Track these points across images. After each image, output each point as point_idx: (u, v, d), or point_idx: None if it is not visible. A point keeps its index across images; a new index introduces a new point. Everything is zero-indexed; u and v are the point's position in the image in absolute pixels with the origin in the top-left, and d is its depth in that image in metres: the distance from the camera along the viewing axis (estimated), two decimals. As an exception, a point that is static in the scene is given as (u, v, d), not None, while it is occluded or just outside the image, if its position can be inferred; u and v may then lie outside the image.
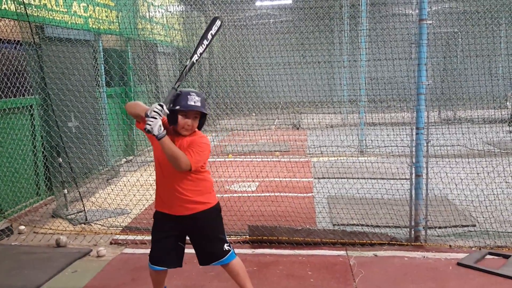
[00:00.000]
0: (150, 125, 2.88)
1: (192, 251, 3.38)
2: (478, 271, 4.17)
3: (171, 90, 3.09)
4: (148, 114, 2.91)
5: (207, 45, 3.26)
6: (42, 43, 6.32)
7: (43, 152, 6.41)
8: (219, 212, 3.37)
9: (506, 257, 4.40)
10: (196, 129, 3.21)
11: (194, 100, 3.08)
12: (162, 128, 2.93)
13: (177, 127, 3.13)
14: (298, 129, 13.40)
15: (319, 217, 5.61)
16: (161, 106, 2.93)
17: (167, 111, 2.99)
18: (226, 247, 3.32)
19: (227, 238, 3.37)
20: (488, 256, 4.47)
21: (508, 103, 12.53)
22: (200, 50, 3.21)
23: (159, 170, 3.24)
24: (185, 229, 3.29)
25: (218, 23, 3.31)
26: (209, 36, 3.26)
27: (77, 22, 7.32)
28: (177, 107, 3.07)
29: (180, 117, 3.10)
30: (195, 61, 3.20)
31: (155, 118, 2.90)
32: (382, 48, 6.68)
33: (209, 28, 3.27)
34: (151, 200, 6.36)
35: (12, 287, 4.09)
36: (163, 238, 3.30)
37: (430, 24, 4.57)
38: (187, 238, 3.37)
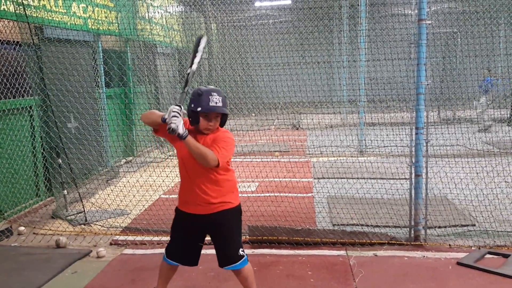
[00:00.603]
0: (174, 123, 2.88)
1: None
2: (477, 270, 4.17)
3: (181, 93, 3.10)
4: (166, 117, 2.93)
5: (201, 57, 3.26)
6: (42, 44, 6.32)
7: (42, 153, 6.41)
8: (240, 213, 3.37)
9: (506, 256, 4.40)
10: (218, 127, 3.21)
11: (215, 101, 3.08)
12: (184, 128, 2.94)
13: (199, 127, 3.13)
14: (297, 129, 13.41)
15: (319, 217, 5.61)
16: (179, 106, 2.95)
17: (185, 111, 3.01)
18: (241, 252, 3.30)
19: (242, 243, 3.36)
20: (488, 256, 4.48)
21: (479, 103, 12.64)
22: (196, 60, 3.20)
23: (183, 169, 3.23)
24: (205, 228, 3.30)
25: (204, 40, 3.27)
26: (201, 49, 3.24)
27: (76, 23, 7.32)
28: (199, 109, 3.06)
29: (201, 118, 3.10)
30: (195, 70, 3.22)
31: (177, 117, 2.91)
32: (381, 48, 6.69)
33: (197, 45, 3.25)
34: (151, 201, 6.36)
35: (12, 288, 4.09)
36: (183, 236, 3.32)
37: (429, 24, 4.57)
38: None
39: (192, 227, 3.28)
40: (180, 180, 3.31)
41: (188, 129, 3.03)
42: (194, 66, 3.17)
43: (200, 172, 3.12)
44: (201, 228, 3.28)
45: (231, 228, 3.30)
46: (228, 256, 3.29)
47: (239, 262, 3.28)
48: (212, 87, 3.19)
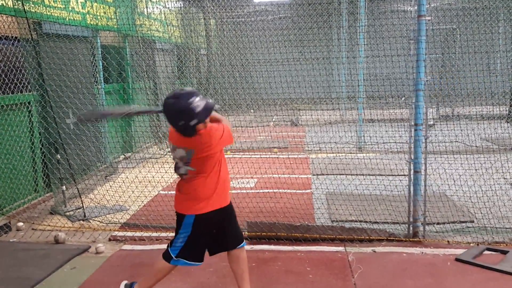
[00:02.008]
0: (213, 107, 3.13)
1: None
2: (476, 266, 4.18)
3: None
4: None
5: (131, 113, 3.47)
6: (40, 39, 6.30)
7: (41, 149, 6.40)
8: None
9: (504, 252, 4.41)
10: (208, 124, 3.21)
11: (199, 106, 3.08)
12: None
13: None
14: (296, 125, 13.41)
15: (317, 213, 5.61)
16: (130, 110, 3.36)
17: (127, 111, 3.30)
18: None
19: None
20: (486, 252, 4.48)
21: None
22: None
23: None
24: (224, 219, 3.40)
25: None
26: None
27: (75, 19, 7.30)
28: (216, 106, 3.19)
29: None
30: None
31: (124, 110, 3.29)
32: (380, 45, 6.68)
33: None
34: (150, 197, 6.36)
35: (11, 284, 4.08)
36: (209, 237, 3.37)
37: (429, 20, 4.56)
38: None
39: (217, 224, 3.34)
40: (182, 180, 3.32)
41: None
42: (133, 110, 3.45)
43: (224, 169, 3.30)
44: (222, 220, 3.37)
45: (234, 218, 3.52)
46: (239, 236, 3.47)
47: (244, 242, 3.50)
48: (188, 89, 3.19)
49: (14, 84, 5.93)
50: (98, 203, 6.26)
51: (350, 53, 13.13)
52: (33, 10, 6.15)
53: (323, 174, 7.18)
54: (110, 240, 5.06)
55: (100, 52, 8.06)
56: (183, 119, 3.01)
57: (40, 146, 6.41)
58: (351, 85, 13.46)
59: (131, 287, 3.49)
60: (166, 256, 3.34)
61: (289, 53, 8.93)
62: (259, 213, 5.44)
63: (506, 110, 11.70)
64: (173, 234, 3.39)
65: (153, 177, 6.46)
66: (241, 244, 3.45)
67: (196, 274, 4.16)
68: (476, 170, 6.14)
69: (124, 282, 3.56)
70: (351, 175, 6.97)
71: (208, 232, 3.32)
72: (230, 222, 3.42)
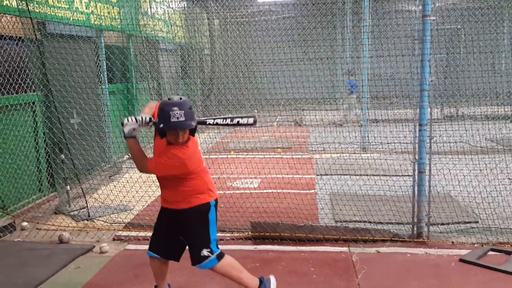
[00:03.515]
0: (125, 124, 3.12)
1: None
2: (480, 267, 4.17)
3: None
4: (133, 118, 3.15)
5: (224, 124, 3.34)
6: (44, 39, 6.32)
7: (45, 149, 6.42)
8: (206, 213, 3.31)
9: (508, 253, 4.39)
10: (190, 136, 3.18)
11: (177, 116, 2.98)
12: (133, 132, 3.13)
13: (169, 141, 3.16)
14: (300, 125, 13.39)
15: (321, 214, 5.60)
16: (150, 119, 3.16)
17: (148, 125, 3.18)
18: (205, 252, 3.28)
19: (214, 242, 3.33)
20: (491, 253, 4.47)
21: (346, 101, 13.07)
22: (219, 121, 3.32)
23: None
24: (176, 223, 3.37)
25: (250, 121, 3.33)
26: (235, 121, 3.31)
27: (79, 19, 7.32)
28: (161, 125, 3.05)
29: (168, 133, 3.10)
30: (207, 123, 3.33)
31: (132, 121, 3.12)
32: (385, 45, 6.66)
33: (241, 118, 3.33)
34: (154, 197, 6.36)
35: (15, 283, 4.10)
36: (161, 229, 3.45)
37: (433, 20, 4.54)
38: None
39: (167, 221, 3.40)
40: None
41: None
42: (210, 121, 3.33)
43: (166, 176, 3.24)
44: (172, 221, 3.37)
45: (195, 226, 3.31)
46: (194, 255, 3.33)
47: (204, 262, 3.29)
48: (176, 98, 3.07)
49: (18, 84, 5.95)
50: (102, 203, 6.27)
51: (354, 53, 13.10)
52: (37, 10, 6.17)
53: (327, 175, 7.16)
54: (114, 239, 5.07)
55: (104, 52, 8.08)
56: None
57: (45, 146, 6.42)
58: (355, 85, 13.43)
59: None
60: (216, 257, 3.31)
61: (293, 53, 8.93)
62: (263, 213, 5.44)
63: (511, 111, 11.65)
64: None
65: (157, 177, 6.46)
66: (199, 265, 3.32)
67: (199, 274, 4.15)
68: (480, 170, 6.11)
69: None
70: (355, 175, 6.95)
71: (159, 223, 3.50)
72: (184, 236, 3.42)
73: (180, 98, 3.07)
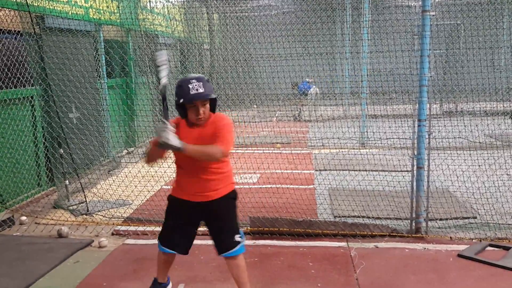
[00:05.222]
0: (163, 137, 2.79)
1: (195, 242, 3.39)
2: (478, 262, 4.18)
3: (163, 109, 2.96)
4: (158, 139, 2.84)
5: (167, 69, 3.11)
6: (43, 33, 6.30)
7: (44, 143, 6.41)
8: (235, 199, 3.33)
9: (507, 248, 4.41)
10: (211, 113, 3.12)
11: (196, 88, 2.96)
12: (176, 136, 2.84)
13: (191, 120, 3.07)
14: (299, 121, 13.39)
15: (320, 209, 5.61)
16: (163, 121, 2.85)
17: (171, 127, 2.86)
18: (237, 238, 3.26)
19: (240, 229, 3.34)
20: (489, 248, 4.48)
21: (305, 100, 13.50)
22: (163, 74, 3.05)
23: (179, 160, 3.20)
24: (202, 216, 3.29)
25: (160, 54, 3.12)
26: (162, 63, 3.08)
27: (78, 13, 7.29)
28: (181, 100, 2.98)
29: (189, 110, 3.03)
30: (166, 83, 3.04)
31: (164, 131, 2.80)
32: (384, 40, 6.64)
33: (154, 61, 3.14)
34: (153, 192, 6.37)
35: (14, 277, 4.10)
36: (180, 223, 3.30)
37: (433, 15, 4.53)
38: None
39: (189, 214, 3.27)
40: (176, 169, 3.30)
41: (183, 127, 3.03)
42: (164, 80, 3.02)
43: (195, 163, 3.08)
44: (198, 215, 3.28)
45: (227, 214, 3.28)
46: (225, 243, 3.26)
47: (236, 248, 3.26)
48: (193, 74, 3.07)
49: (17, 79, 5.93)
50: (101, 198, 6.27)
51: (354, 48, 13.08)
52: (36, 4, 6.14)
53: (325, 170, 7.18)
54: (113, 234, 5.08)
55: (103, 47, 8.05)
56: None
57: (43, 140, 6.42)
58: (354, 80, 13.41)
59: None
60: (239, 247, 3.27)
61: (293, 48, 8.88)
62: (262, 208, 5.45)
63: (510, 106, 11.63)
64: None
65: (156, 171, 6.47)
66: (229, 253, 3.27)
67: (199, 269, 4.17)
68: (479, 166, 6.11)
69: None
70: (354, 170, 6.96)
71: (178, 218, 3.37)
72: (215, 225, 3.36)
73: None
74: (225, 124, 3.08)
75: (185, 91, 2.97)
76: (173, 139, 2.82)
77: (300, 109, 13.74)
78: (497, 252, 4.39)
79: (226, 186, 3.24)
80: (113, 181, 6.63)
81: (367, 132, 9.41)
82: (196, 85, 2.97)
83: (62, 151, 6.07)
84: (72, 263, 4.39)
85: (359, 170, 7.08)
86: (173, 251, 3.35)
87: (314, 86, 13.63)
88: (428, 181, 4.76)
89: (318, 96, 13.79)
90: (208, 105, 3.08)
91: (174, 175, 3.34)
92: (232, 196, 3.30)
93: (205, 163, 3.10)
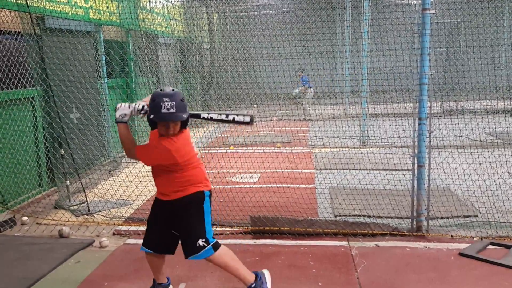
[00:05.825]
0: (115, 109, 3.17)
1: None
2: (479, 261, 4.18)
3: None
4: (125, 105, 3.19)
5: (219, 120, 3.31)
6: (43, 34, 6.30)
7: (45, 144, 6.42)
8: (201, 202, 3.28)
9: (508, 247, 4.41)
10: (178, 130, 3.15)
11: (167, 107, 2.96)
12: (124, 117, 3.15)
13: (159, 132, 3.17)
14: (305, 120, 13.40)
15: (321, 208, 5.61)
16: (143, 107, 3.15)
17: (140, 113, 3.18)
18: (201, 242, 3.24)
19: (209, 232, 3.30)
20: (490, 247, 4.48)
21: (304, 97, 13.61)
22: (214, 116, 3.28)
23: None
24: (170, 216, 3.33)
25: (247, 119, 3.26)
26: (230, 117, 3.25)
27: (78, 13, 7.29)
28: (152, 116, 3.04)
29: (158, 124, 3.10)
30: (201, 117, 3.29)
31: (125, 107, 3.17)
32: (384, 38, 6.64)
33: (237, 115, 3.26)
34: (153, 191, 6.36)
35: (15, 278, 4.11)
36: (155, 222, 3.43)
37: (433, 13, 4.53)
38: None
39: (160, 213, 3.37)
40: None
41: (154, 133, 3.21)
42: (140, 107, 3.22)
43: (159, 166, 3.23)
44: (167, 215, 3.34)
45: (188, 217, 3.27)
46: (188, 246, 3.28)
47: (200, 252, 3.25)
48: (168, 90, 3.06)
49: (17, 79, 5.94)
50: (102, 198, 6.28)
51: (353, 47, 13.06)
52: (36, 5, 6.14)
53: (326, 169, 7.17)
54: (114, 234, 5.08)
55: (103, 47, 8.06)
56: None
57: (44, 141, 6.42)
58: (354, 79, 13.41)
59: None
60: (213, 247, 3.28)
61: (292, 47, 8.88)
62: (262, 208, 5.45)
63: (510, 104, 11.62)
64: None
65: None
66: (193, 257, 3.29)
67: (199, 268, 4.17)
68: (480, 164, 6.11)
69: None
70: (355, 169, 6.96)
71: (153, 217, 3.49)
72: (177, 227, 3.40)
73: (173, 90, 3.06)
74: (153, 145, 3.17)
75: (157, 108, 3.01)
76: (118, 113, 3.16)
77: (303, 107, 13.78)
78: (499, 250, 4.39)
79: (187, 188, 3.23)
80: (114, 181, 6.64)
81: (367, 131, 9.40)
82: (168, 104, 2.98)
83: (63, 152, 6.08)
84: (73, 263, 4.39)
85: (360, 169, 7.07)
86: (149, 250, 3.39)
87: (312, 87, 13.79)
88: (429, 180, 4.76)
89: (315, 95, 13.89)
90: (178, 123, 3.10)
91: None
92: (195, 199, 3.26)
93: (167, 164, 3.17)
